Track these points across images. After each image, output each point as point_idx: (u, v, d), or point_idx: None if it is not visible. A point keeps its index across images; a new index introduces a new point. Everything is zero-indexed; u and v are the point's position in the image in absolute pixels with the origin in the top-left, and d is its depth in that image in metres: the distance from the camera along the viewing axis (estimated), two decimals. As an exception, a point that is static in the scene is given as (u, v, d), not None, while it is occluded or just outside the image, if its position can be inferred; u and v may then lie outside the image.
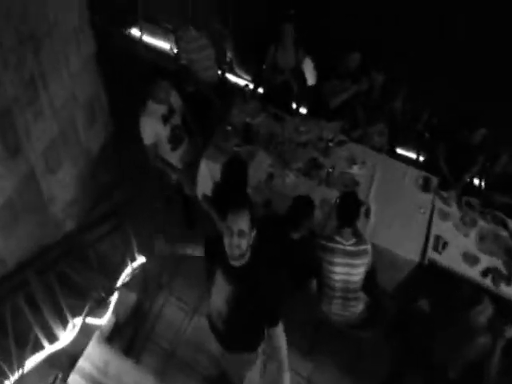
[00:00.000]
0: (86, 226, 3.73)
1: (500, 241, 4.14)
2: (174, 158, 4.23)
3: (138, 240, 4.06)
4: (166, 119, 3.93)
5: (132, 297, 4.14)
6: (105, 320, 3.78)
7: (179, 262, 4.65)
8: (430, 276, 3.98)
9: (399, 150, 5.45)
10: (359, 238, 3.63)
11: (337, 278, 3.58)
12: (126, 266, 3.99)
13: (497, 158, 4.65)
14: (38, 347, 3.28)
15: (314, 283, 3.80)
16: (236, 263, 2.66)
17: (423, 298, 3.80)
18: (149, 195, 4.85)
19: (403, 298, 4.11)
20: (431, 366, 3.52)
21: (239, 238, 2.55)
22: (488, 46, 4.46)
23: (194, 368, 3.98)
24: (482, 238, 4.13)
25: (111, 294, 3.82)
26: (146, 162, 4.09)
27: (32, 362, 3.22)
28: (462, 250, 4.04)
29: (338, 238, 3.57)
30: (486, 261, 3.99)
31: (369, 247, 3.60)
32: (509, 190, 4.57)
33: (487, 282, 3.87)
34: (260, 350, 3.09)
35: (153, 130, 3.88)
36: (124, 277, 3.97)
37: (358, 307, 3.72)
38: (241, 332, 2.91)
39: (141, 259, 4.11)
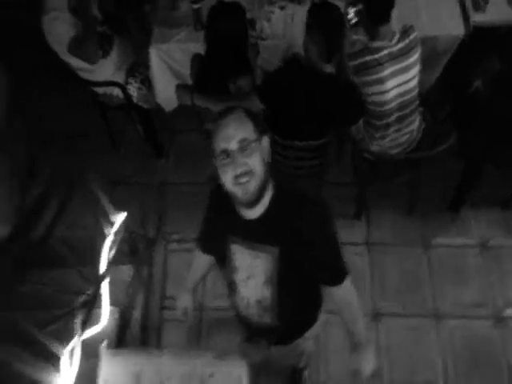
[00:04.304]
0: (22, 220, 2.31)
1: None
2: (108, 67, 2.99)
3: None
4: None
5: (125, 271, 2.96)
6: (104, 321, 2.62)
7: (161, 202, 3.47)
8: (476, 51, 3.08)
9: None
10: (402, 28, 2.57)
11: (390, 95, 2.57)
12: (104, 237, 2.73)
13: None
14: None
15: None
16: (254, 209, 1.56)
17: (477, 79, 2.97)
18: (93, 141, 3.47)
19: (454, 89, 3.24)
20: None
21: (243, 155, 1.47)
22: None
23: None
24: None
25: (100, 284, 2.60)
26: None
27: None
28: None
29: (378, 44, 2.50)
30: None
31: (417, 33, 2.58)
32: None
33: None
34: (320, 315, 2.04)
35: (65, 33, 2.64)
36: (106, 253, 2.73)
37: (415, 123, 2.82)
38: (297, 313, 1.84)
39: (120, 218, 2.83)
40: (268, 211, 1.59)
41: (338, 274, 1.70)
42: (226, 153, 1.46)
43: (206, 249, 1.96)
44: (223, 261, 1.77)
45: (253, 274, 1.70)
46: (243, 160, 1.46)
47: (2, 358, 1.81)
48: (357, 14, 3.00)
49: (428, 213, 3.35)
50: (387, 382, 2.81)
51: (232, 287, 1.81)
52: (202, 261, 2.02)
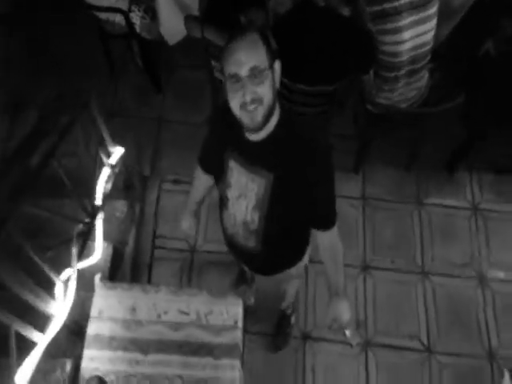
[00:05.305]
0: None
1: None
2: None
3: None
4: None
5: (119, 207, 2.90)
6: (98, 254, 2.58)
7: (158, 138, 3.38)
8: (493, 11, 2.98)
9: None
10: None
11: (405, 47, 2.50)
12: (101, 169, 2.65)
13: None
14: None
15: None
16: (259, 133, 1.54)
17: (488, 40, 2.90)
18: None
19: (465, 48, 3.14)
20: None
21: (253, 83, 1.43)
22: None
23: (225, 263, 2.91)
24: None
25: (96, 216, 2.55)
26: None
27: (28, 366, 1.96)
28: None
29: None
30: None
31: None
32: None
33: None
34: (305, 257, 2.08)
35: None
36: (103, 185, 2.65)
37: (424, 79, 2.77)
38: (281, 244, 1.83)
39: (118, 151, 2.74)
40: (271, 136, 1.58)
41: (328, 218, 1.72)
42: (236, 77, 1.43)
43: (207, 165, 1.95)
44: (221, 175, 1.77)
45: (245, 194, 1.69)
46: (253, 88, 1.43)
47: (4, 280, 1.75)
48: None
49: (425, 171, 3.38)
50: (371, 332, 2.89)
51: (223, 202, 1.82)
52: (203, 181, 2.01)
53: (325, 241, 1.75)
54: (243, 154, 1.65)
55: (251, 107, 1.44)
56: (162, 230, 3.12)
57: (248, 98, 1.43)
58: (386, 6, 2.44)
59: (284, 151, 1.57)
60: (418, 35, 2.53)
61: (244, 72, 1.42)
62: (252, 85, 1.42)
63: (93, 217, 2.47)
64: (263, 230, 1.74)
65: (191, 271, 3.00)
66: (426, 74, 2.79)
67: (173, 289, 2.35)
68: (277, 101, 1.54)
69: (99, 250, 2.56)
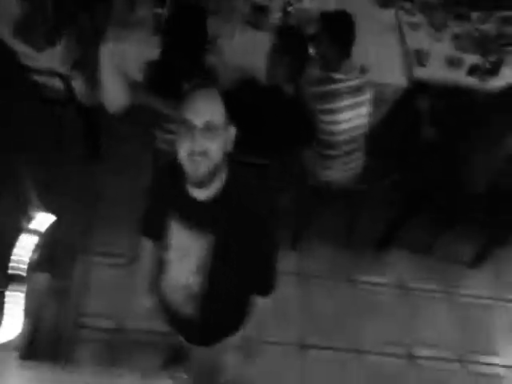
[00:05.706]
0: None
1: (470, 36, 3.66)
2: (53, 57, 2.89)
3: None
4: None
5: (41, 279, 2.67)
6: (14, 329, 2.32)
7: (91, 210, 3.23)
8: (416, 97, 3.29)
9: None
10: (361, 66, 2.88)
11: (342, 127, 2.66)
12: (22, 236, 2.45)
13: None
14: None
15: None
16: (202, 191, 1.55)
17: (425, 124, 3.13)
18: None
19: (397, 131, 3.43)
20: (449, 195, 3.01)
21: (205, 136, 1.45)
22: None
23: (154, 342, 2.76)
24: (456, 38, 3.64)
25: (8, 285, 2.31)
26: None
27: None
28: (443, 55, 3.48)
29: (336, 76, 2.60)
30: (468, 59, 3.47)
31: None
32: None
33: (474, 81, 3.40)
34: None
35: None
36: (23, 255, 2.44)
37: (360, 159, 2.96)
38: (221, 310, 1.80)
39: (47, 220, 2.57)
40: (215, 198, 1.57)
41: (268, 283, 1.78)
42: (190, 125, 1.44)
43: (148, 229, 1.91)
44: (161, 238, 1.73)
45: (187, 255, 1.66)
46: (203, 141, 1.44)
47: None
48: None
49: (358, 248, 3.44)
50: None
51: (163, 268, 1.77)
52: (151, 250, 1.96)
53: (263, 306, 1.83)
54: (186, 213, 1.62)
55: (198, 158, 1.44)
56: (87, 307, 2.91)
57: (196, 149, 1.44)
58: (328, 88, 2.60)
59: (229, 217, 1.57)
60: (353, 118, 2.69)
61: (198, 122, 1.43)
62: (203, 138, 1.44)
63: (4, 287, 2.25)
64: (204, 294, 1.70)
65: (117, 351, 2.76)
66: (361, 155, 2.92)
67: (97, 369, 2.13)
68: (225, 164, 1.54)
69: (15, 324, 2.30)
